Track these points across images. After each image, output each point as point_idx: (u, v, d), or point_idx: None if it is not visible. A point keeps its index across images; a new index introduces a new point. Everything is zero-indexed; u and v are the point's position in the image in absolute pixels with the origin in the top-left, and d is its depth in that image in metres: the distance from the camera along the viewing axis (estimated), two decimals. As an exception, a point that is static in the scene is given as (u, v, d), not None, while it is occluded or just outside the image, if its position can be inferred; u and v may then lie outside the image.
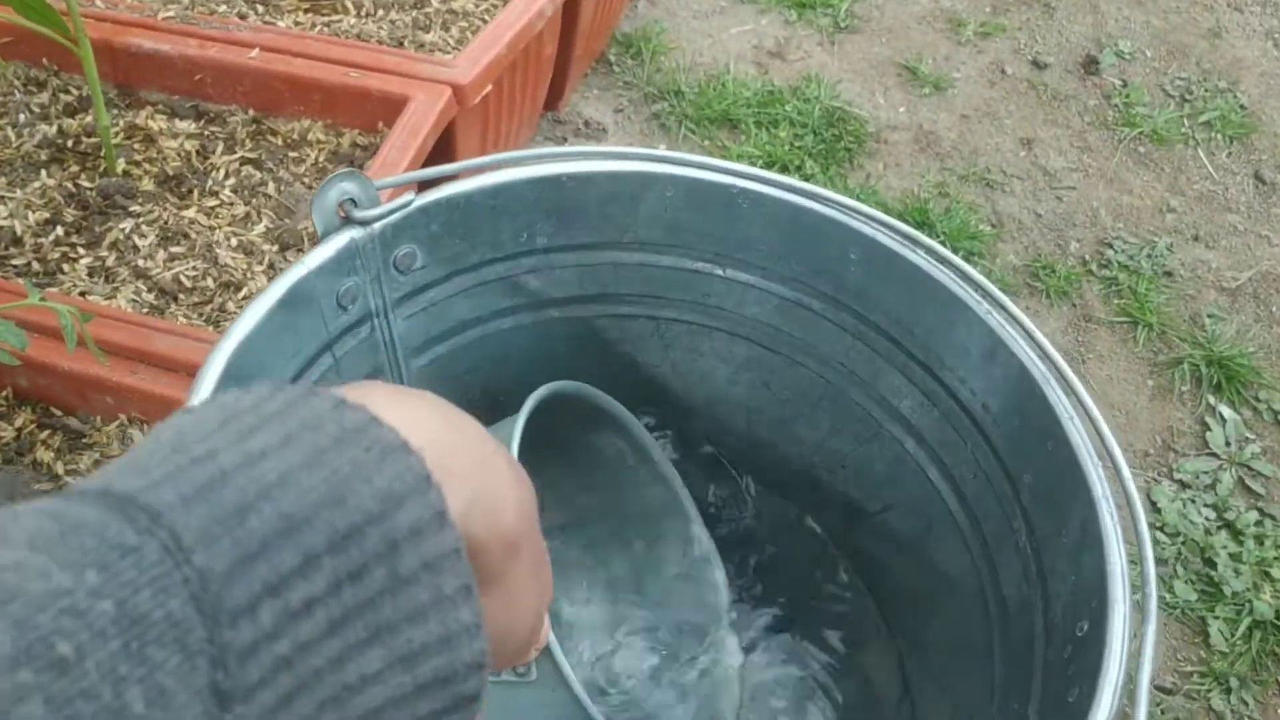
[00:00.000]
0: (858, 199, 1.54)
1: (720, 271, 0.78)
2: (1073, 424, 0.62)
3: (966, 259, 1.44)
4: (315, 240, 0.67)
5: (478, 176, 0.71)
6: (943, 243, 1.43)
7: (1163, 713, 1.05)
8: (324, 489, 0.25)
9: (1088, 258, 1.48)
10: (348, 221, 0.66)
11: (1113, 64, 1.78)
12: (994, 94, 1.72)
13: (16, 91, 1.15)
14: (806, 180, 1.53)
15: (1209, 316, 1.42)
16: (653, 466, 0.81)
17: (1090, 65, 1.77)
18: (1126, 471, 0.59)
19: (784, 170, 1.53)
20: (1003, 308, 0.67)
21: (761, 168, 1.54)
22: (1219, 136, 1.68)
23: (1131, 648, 0.53)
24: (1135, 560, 0.57)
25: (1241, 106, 1.73)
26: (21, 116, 1.12)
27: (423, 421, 0.29)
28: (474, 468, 0.30)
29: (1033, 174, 1.60)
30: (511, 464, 0.32)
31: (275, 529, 0.24)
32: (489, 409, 0.82)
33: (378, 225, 0.67)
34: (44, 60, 1.18)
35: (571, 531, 0.84)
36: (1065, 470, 0.61)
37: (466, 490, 0.28)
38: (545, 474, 0.79)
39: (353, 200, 0.66)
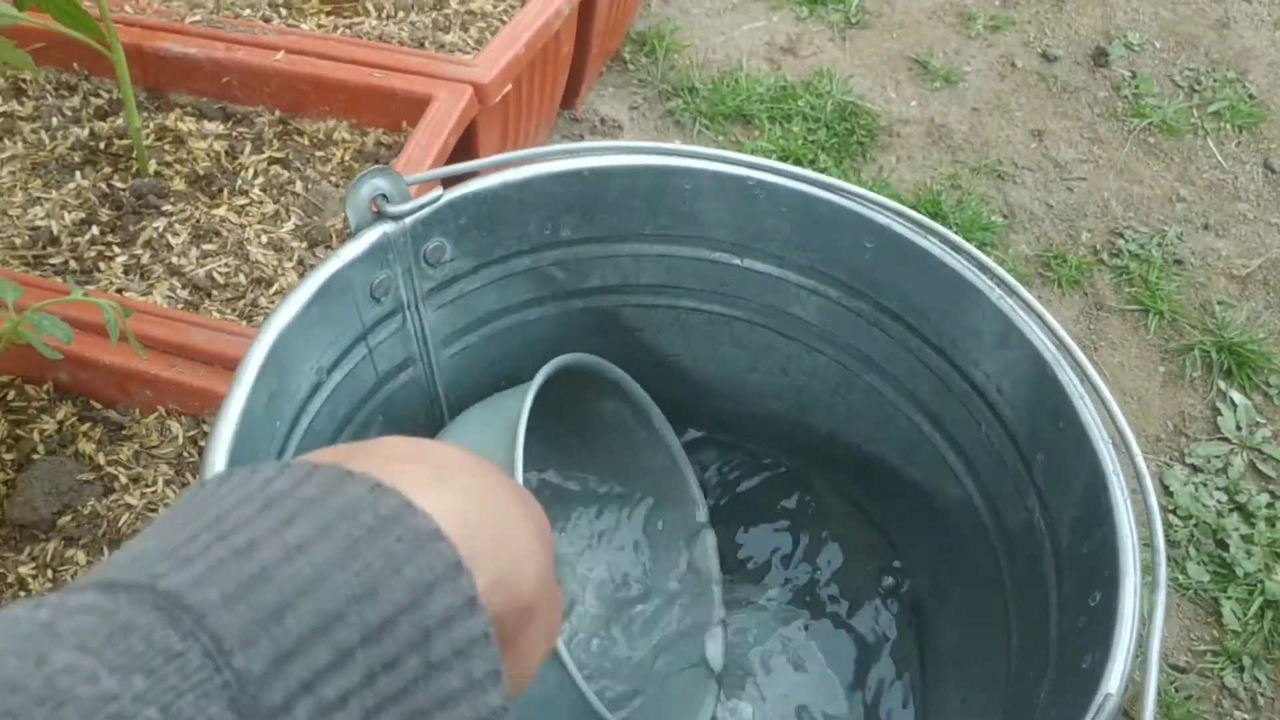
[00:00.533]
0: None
1: (738, 261, 0.80)
2: (1083, 403, 0.64)
3: (979, 250, 1.46)
4: (344, 237, 0.69)
5: (504, 171, 0.74)
6: (955, 234, 1.45)
7: (1176, 690, 1.07)
8: (356, 584, 0.26)
9: (1099, 247, 1.50)
10: (380, 216, 0.68)
11: (1122, 55, 1.80)
12: (1004, 87, 1.74)
13: (49, 96, 1.18)
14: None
15: (1219, 304, 1.43)
16: (654, 433, 0.85)
17: (1100, 57, 1.79)
18: (1135, 446, 0.61)
19: (797, 164, 1.55)
20: (1014, 292, 0.69)
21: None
22: (1228, 126, 1.69)
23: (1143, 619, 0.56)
24: (1149, 542, 0.59)
25: (1250, 96, 1.74)
26: (54, 120, 1.15)
27: (454, 505, 0.29)
28: (499, 546, 0.30)
29: (1043, 165, 1.61)
30: (533, 527, 0.33)
31: (311, 626, 0.25)
32: (516, 397, 0.84)
33: (409, 220, 0.69)
34: (74, 65, 1.21)
35: (575, 489, 0.88)
36: (1077, 448, 0.64)
37: (491, 571, 0.29)
38: (549, 433, 0.83)
39: (384, 196, 0.68)
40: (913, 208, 1.49)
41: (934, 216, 1.49)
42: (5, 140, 1.13)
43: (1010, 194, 1.57)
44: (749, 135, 1.61)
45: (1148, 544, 0.58)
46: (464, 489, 0.31)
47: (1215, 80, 1.77)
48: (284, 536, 0.26)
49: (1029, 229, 1.52)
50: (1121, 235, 1.51)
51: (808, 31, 1.81)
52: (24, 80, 1.20)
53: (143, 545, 0.26)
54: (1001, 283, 0.69)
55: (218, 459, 0.56)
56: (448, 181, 0.74)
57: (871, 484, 0.86)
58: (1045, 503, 0.68)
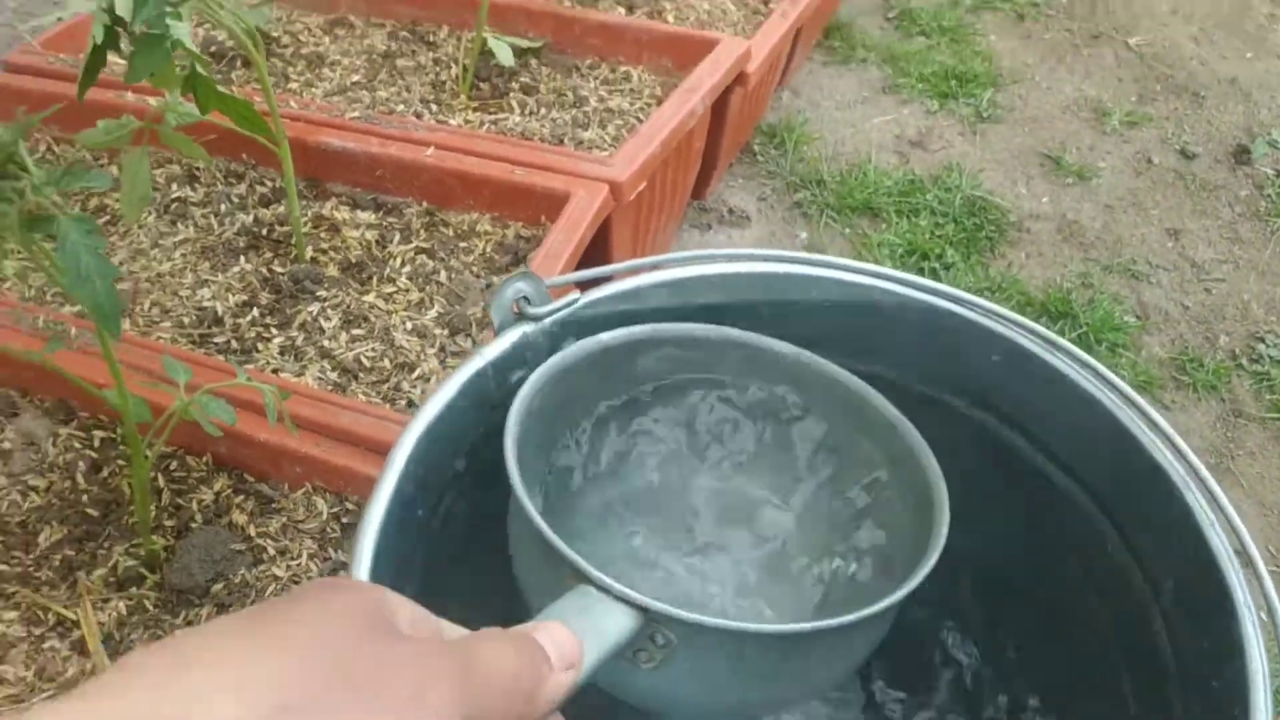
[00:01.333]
0: (999, 287, 1.55)
1: (861, 368, 0.81)
2: (1213, 529, 0.63)
3: (1110, 351, 1.44)
4: (482, 325, 0.73)
5: (636, 276, 0.77)
6: (1085, 334, 1.44)
7: (1317, 828, 1.01)
8: None
9: (1238, 351, 1.46)
10: (521, 317, 0.73)
11: (1265, 153, 1.76)
12: (1140, 184, 1.72)
13: (219, 183, 1.28)
14: (947, 269, 1.55)
15: (1369, 415, 1.38)
16: (706, 346, 0.76)
17: (1241, 155, 1.75)
18: (1265, 571, 0.60)
19: (924, 258, 1.56)
20: (1141, 411, 0.69)
21: (902, 255, 1.58)
22: (1381, 228, 1.63)
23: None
24: None
25: (1405, 197, 1.68)
26: (223, 206, 1.24)
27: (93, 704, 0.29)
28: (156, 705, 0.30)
29: (1180, 265, 1.58)
30: (247, 633, 0.32)
31: None
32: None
33: (547, 320, 0.73)
34: (243, 155, 1.30)
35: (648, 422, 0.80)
36: (1206, 575, 0.63)
37: None
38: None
39: (526, 298, 0.72)
40: (1042, 306, 1.49)
41: (1064, 315, 1.47)
42: (179, 224, 1.22)
43: (1144, 294, 1.54)
44: (876, 228, 1.63)
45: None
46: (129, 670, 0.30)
47: (1366, 180, 1.71)
48: None
49: (1163, 330, 1.49)
50: (1262, 339, 1.47)
51: (937, 125, 1.82)
52: (197, 168, 1.30)
53: None
54: (1127, 400, 0.69)
55: (365, 551, 0.60)
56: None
57: (992, 603, 0.85)
58: (1173, 630, 0.67)
